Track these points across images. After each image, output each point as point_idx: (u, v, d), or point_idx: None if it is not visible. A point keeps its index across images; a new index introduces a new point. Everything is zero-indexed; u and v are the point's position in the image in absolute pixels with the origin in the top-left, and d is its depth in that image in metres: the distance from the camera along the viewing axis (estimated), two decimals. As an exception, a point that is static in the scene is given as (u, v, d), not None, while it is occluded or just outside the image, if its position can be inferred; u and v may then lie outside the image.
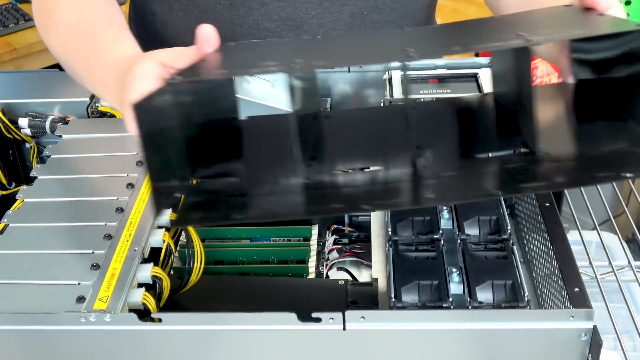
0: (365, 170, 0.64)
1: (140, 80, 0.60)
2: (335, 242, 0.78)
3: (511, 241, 0.69)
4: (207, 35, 0.61)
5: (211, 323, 0.60)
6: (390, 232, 0.70)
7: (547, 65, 1.44)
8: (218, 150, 0.67)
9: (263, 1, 0.89)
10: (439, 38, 0.67)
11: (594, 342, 0.57)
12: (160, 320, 0.60)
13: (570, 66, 0.68)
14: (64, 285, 0.62)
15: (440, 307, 0.63)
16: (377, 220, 0.76)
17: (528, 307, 0.63)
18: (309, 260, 0.76)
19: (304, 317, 0.58)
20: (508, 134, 0.66)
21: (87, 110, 0.88)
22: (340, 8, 0.91)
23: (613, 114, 0.65)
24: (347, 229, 0.80)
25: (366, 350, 0.60)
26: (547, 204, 0.72)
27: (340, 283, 0.70)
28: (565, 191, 0.94)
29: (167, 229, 0.68)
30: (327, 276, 0.75)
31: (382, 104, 0.86)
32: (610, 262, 0.81)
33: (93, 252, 0.65)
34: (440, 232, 0.70)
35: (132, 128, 0.62)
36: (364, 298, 0.68)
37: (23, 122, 0.87)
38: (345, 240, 0.78)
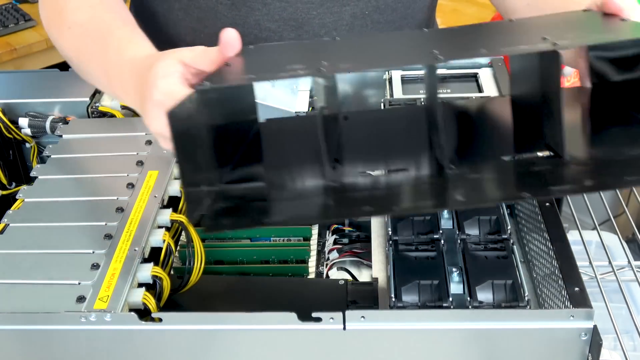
0: (391, 172, 0.64)
1: (163, 78, 0.60)
2: (335, 242, 0.78)
3: (511, 241, 0.69)
4: (231, 40, 0.61)
5: (211, 323, 0.60)
6: (390, 232, 0.70)
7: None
8: (240, 153, 0.67)
9: (265, 1, 0.89)
10: (461, 40, 0.67)
11: (594, 341, 0.57)
12: (160, 320, 0.60)
13: (588, 70, 0.68)
14: (64, 285, 0.62)
15: (441, 307, 0.63)
16: (377, 220, 0.76)
17: (528, 307, 0.63)
18: (309, 260, 0.76)
19: (304, 316, 0.58)
20: (530, 136, 0.66)
21: (87, 110, 0.88)
22: (341, 8, 0.91)
23: (634, 117, 0.65)
24: (347, 228, 0.80)
25: (366, 350, 0.60)
26: (547, 204, 0.72)
27: (340, 283, 0.70)
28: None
29: (167, 229, 0.68)
30: (327, 276, 0.75)
31: (382, 104, 0.86)
32: (610, 262, 0.81)
33: (93, 252, 0.65)
34: (441, 231, 0.70)
35: (153, 127, 0.62)
36: (364, 298, 0.68)
37: (23, 122, 0.87)
38: (345, 240, 0.78)
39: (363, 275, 0.75)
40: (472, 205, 0.59)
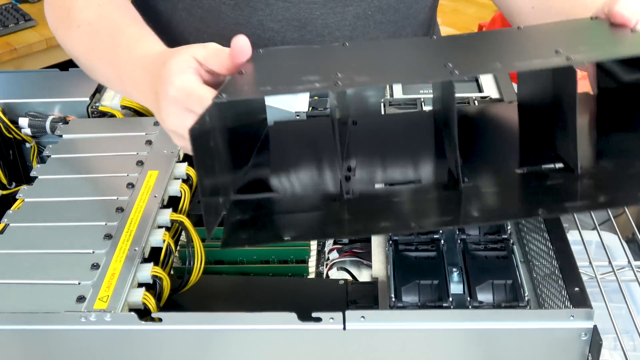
0: (404, 183, 0.65)
1: (178, 75, 0.61)
2: (335, 242, 0.78)
3: (511, 241, 0.69)
4: (242, 47, 0.62)
5: (211, 323, 0.60)
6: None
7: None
8: (252, 160, 0.67)
9: (268, 1, 0.89)
10: (473, 51, 0.67)
11: (594, 341, 0.57)
12: (160, 320, 0.60)
13: (595, 77, 0.68)
14: (64, 285, 0.62)
15: (441, 307, 0.63)
16: (377, 220, 0.76)
17: (528, 307, 0.63)
18: (309, 260, 0.76)
19: (304, 316, 0.58)
20: (542, 147, 0.66)
21: (87, 110, 0.88)
22: (344, 9, 0.91)
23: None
24: (347, 228, 0.80)
25: (366, 350, 0.60)
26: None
27: (340, 283, 0.70)
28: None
29: (167, 229, 0.68)
30: (327, 276, 0.75)
31: (382, 104, 0.86)
32: (610, 262, 0.81)
33: (93, 252, 0.65)
34: (440, 231, 0.70)
35: (169, 123, 0.63)
36: (364, 298, 0.68)
37: (23, 122, 0.87)
38: (345, 240, 0.78)
39: (363, 275, 0.75)
40: (486, 222, 0.60)
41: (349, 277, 0.74)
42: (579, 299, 0.60)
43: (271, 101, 0.83)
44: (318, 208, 0.63)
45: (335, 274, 0.75)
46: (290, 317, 0.58)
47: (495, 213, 0.60)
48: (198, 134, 0.54)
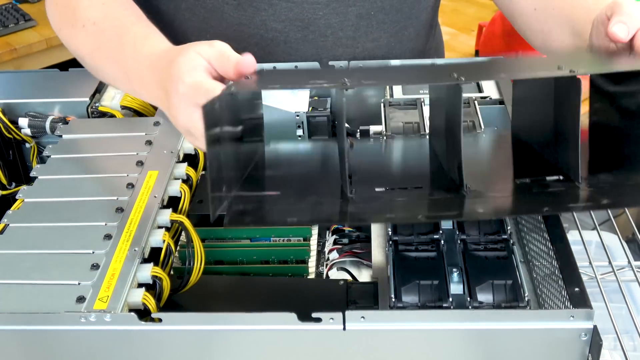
0: (407, 188, 0.66)
1: (188, 72, 0.61)
2: (335, 242, 0.78)
3: (511, 241, 0.69)
4: (249, 62, 0.63)
5: (211, 323, 0.60)
6: (390, 232, 0.70)
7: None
8: (250, 172, 0.69)
9: (271, 2, 0.89)
10: (478, 67, 0.68)
11: (594, 342, 0.57)
12: (160, 320, 0.60)
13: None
14: (64, 285, 0.62)
15: (441, 307, 0.63)
16: (377, 220, 0.76)
17: (528, 307, 0.63)
18: (309, 260, 0.76)
19: (304, 317, 0.58)
20: (539, 160, 0.67)
21: (87, 110, 0.88)
22: (347, 9, 0.91)
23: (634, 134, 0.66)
24: (347, 229, 0.80)
25: (366, 350, 0.60)
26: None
27: (340, 283, 0.70)
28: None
29: (167, 229, 0.68)
30: (327, 276, 0.75)
31: (382, 105, 0.86)
32: (610, 262, 0.81)
33: (93, 252, 0.65)
34: (441, 232, 0.70)
35: (180, 121, 0.63)
36: (364, 298, 0.68)
37: (23, 122, 0.87)
38: (345, 240, 0.78)
39: (363, 275, 0.75)
40: (491, 217, 0.60)
41: (349, 277, 0.74)
42: (579, 299, 0.60)
43: (271, 101, 0.83)
44: (322, 203, 0.63)
45: (335, 274, 0.75)
46: (290, 318, 0.58)
47: (499, 209, 0.60)
48: (210, 116, 0.55)
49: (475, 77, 0.65)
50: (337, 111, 0.68)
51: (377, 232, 0.75)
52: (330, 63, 0.88)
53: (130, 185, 0.73)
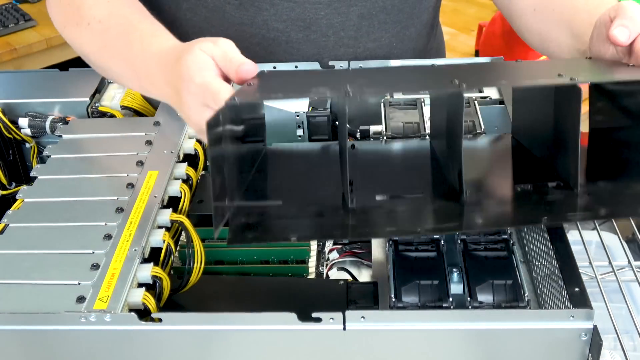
0: (408, 196, 0.66)
1: (199, 71, 0.62)
2: (335, 242, 0.78)
3: (511, 241, 0.69)
4: (250, 70, 0.63)
5: (211, 323, 0.60)
6: (390, 232, 0.70)
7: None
8: (253, 177, 0.69)
9: (272, 1, 0.89)
10: (478, 73, 0.68)
11: (594, 342, 0.57)
12: (160, 320, 0.60)
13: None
14: (64, 285, 0.62)
15: (441, 307, 0.63)
16: (377, 220, 0.76)
17: (528, 307, 0.63)
18: (309, 260, 0.76)
19: (304, 317, 0.58)
20: (538, 166, 0.67)
21: (87, 110, 0.88)
22: (349, 9, 0.91)
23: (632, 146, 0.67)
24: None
25: (366, 350, 0.60)
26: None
27: (340, 283, 0.70)
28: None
29: (167, 229, 0.68)
30: (327, 276, 0.75)
31: (382, 104, 0.86)
32: (610, 262, 0.81)
33: (93, 252, 0.65)
34: (441, 232, 0.70)
35: (193, 118, 0.64)
36: (364, 298, 0.68)
37: (23, 122, 0.87)
38: (346, 240, 0.78)
39: (363, 275, 0.75)
40: (490, 228, 0.61)
41: (349, 277, 0.74)
42: (579, 299, 0.60)
43: (271, 101, 0.83)
44: (322, 215, 0.64)
45: (335, 274, 0.75)
46: (290, 318, 0.58)
47: (498, 220, 0.61)
48: (214, 125, 0.55)
49: (476, 84, 0.65)
50: (338, 117, 0.69)
51: (377, 232, 0.75)
52: (331, 63, 0.88)
53: (131, 185, 0.73)
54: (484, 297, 0.64)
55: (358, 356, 0.60)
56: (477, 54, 2.57)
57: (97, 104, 0.89)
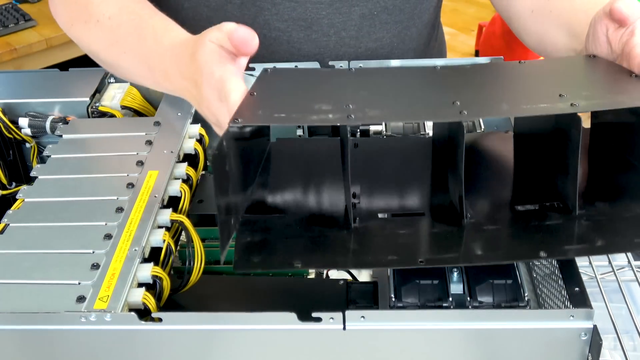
0: (409, 215, 0.67)
1: (217, 65, 0.63)
2: (335, 242, 0.78)
3: (511, 241, 0.69)
4: (244, 39, 0.64)
5: (211, 323, 0.60)
6: (390, 232, 0.70)
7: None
8: (258, 180, 0.69)
9: (274, 1, 0.89)
10: (480, 88, 0.69)
11: (594, 341, 0.57)
12: (160, 319, 0.60)
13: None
14: (64, 285, 0.62)
15: (441, 307, 0.63)
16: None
17: (528, 307, 0.63)
18: (309, 260, 0.76)
19: (304, 316, 0.58)
20: (539, 181, 0.68)
21: (87, 110, 0.88)
22: (350, 9, 0.91)
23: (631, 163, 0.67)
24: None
25: (366, 350, 0.60)
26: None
27: (340, 283, 0.70)
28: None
29: (167, 229, 0.68)
30: (327, 276, 0.75)
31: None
32: (610, 262, 0.81)
33: (93, 252, 0.65)
34: (440, 232, 0.70)
35: (211, 111, 0.65)
36: (364, 298, 0.68)
37: (23, 122, 0.87)
38: (345, 240, 0.78)
39: (363, 275, 0.75)
40: (489, 262, 0.62)
41: (349, 277, 0.74)
42: (579, 299, 0.60)
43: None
44: (326, 235, 0.64)
45: (335, 274, 0.75)
46: (290, 317, 0.58)
47: (498, 254, 0.62)
48: (218, 158, 0.56)
49: (478, 114, 0.66)
50: (341, 137, 0.70)
51: (377, 232, 0.75)
52: (331, 63, 0.89)
53: (131, 185, 0.73)
54: (484, 296, 0.64)
55: (358, 356, 0.60)
56: (477, 54, 2.57)
57: (97, 104, 0.89)
